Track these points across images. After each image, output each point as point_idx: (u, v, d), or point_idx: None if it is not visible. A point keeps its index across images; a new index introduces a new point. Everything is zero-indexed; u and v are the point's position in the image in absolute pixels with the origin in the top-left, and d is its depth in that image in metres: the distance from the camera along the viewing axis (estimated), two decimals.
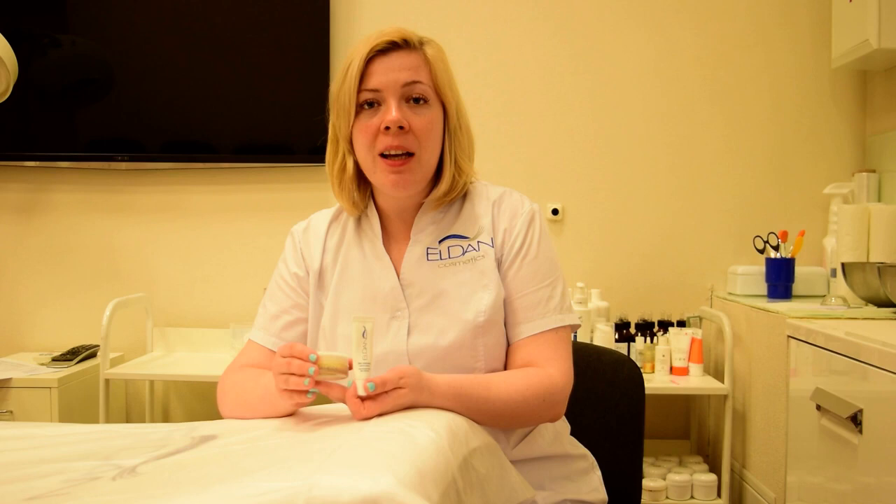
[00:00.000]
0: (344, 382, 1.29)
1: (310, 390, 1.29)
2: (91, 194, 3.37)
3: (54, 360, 3.08)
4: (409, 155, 1.47)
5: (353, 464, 1.00)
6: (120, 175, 3.35)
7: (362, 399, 1.27)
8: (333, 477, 0.94)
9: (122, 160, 3.25)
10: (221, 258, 3.35)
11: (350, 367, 1.30)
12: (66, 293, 3.38)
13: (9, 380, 2.87)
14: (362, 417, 1.27)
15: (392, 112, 1.44)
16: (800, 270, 2.88)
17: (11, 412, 2.85)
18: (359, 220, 1.60)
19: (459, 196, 1.57)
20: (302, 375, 1.28)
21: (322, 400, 1.37)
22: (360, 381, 1.27)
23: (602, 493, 1.62)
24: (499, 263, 1.52)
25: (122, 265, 3.37)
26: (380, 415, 1.27)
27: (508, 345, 1.51)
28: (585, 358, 1.83)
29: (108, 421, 2.86)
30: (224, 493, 0.96)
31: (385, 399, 1.27)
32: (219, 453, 1.24)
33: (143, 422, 3.25)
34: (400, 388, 1.28)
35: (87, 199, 3.38)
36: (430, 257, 1.52)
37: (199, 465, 1.18)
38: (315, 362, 1.28)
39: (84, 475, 1.16)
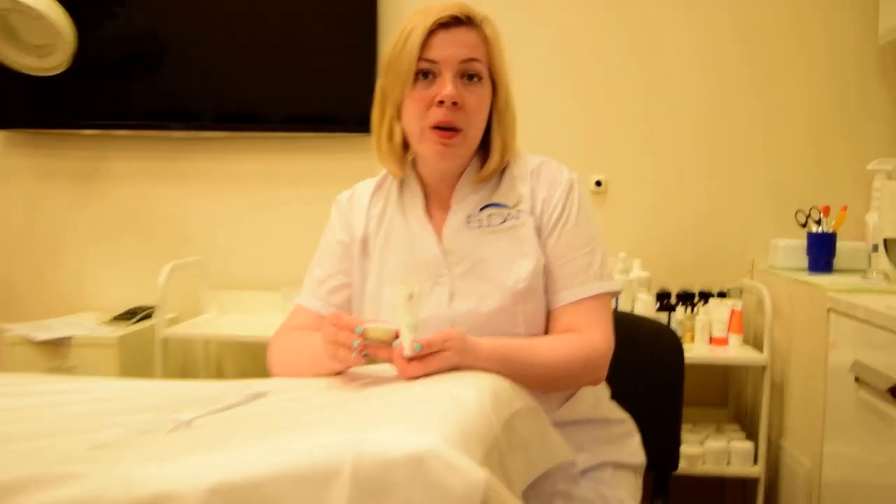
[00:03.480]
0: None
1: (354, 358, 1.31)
2: (147, 162, 3.41)
3: (114, 319, 3.14)
4: (458, 130, 1.47)
5: (401, 422, 1.01)
6: (175, 143, 3.39)
7: (408, 360, 1.28)
8: (381, 434, 0.94)
9: (177, 129, 3.28)
10: (272, 224, 3.38)
11: (396, 337, 1.30)
12: (124, 256, 3.43)
13: (71, 338, 2.93)
14: (408, 377, 1.28)
15: (448, 87, 1.44)
16: (841, 245, 2.83)
17: (75, 367, 2.91)
18: (401, 189, 1.60)
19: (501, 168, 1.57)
20: (349, 348, 1.30)
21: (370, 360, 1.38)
22: (406, 342, 1.28)
23: (641, 457, 1.62)
24: (538, 232, 1.51)
25: (178, 230, 3.41)
26: (425, 376, 1.28)
27: (549, 311, 1.51)
28: (626, 327, 1.82)
29: (164, 378, 2.91)
30: (275, 446, 0.98)
31: (430, 361, 1.28)
32: (270, 409, 1.26)
33: (198, 379, 3.30)
34: (445, 350, 1.29)
35: (144, 167, 3.42)
36: (471, 225, 1.52)
37: (251, 420, 1.20)
38: (361, 334, 1.29)
39: (143, 427, 1.18)
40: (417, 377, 1.28)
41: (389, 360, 1.32)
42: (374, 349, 1.31)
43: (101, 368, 2.90)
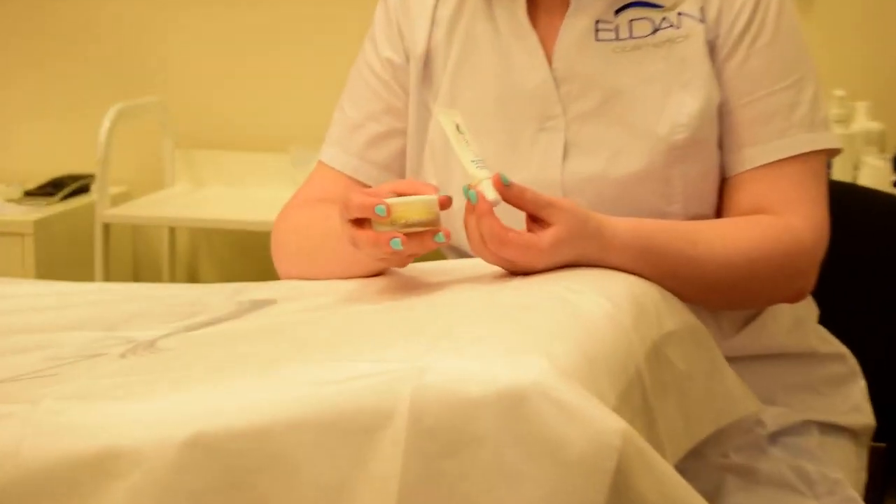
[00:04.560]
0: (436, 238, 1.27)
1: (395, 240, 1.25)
2: None
3: (28, 194, 3.20)
4: None
5: (486, 342, 1.00)
6: None
7: (501, 229, 1.24)
8: (455, 359, 0.95)
9: None
10: (276, 50, 3.38)
11: (443, 206, 1.28)
12: (45, 99, 3.47)
13: None
14: (500, 249, 1.25)
15: None
16: None
17: None
18: None
19: None
20: (384, 248, 1.25)
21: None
22: (485, 183, 1.25)
23: (867, 416, 1.62)
24: (712, 49, 1.50)
25: (128, 58, 3.43)
26: (522, 274, 1.27)
27: (724, 179, 1.51)
28: (846, 205, 1.77)
29: (108, 281, 2.94)
30: (290, 377, 0.98)
31: (532, 246, 1.25)
32: (278, 324, 1.28)
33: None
34: (550, 224, 1.26)
35: None
36: (601, 36, 1.51)
37: (248, 339, 1.22)
38: (384, 217, 1.24)
39: (79, 350, 1.21)
40: (514, 251, 1.26)
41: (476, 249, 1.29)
42: (415, 241, 1.27)
43: (7, 267, 2.95)
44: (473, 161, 1.28)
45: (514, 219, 1.29)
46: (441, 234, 1.26)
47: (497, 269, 1.31)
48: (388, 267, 1.41)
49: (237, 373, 1.04)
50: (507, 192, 1.24)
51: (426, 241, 1.26)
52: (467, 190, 1.27)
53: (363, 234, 1.26)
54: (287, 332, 1.23)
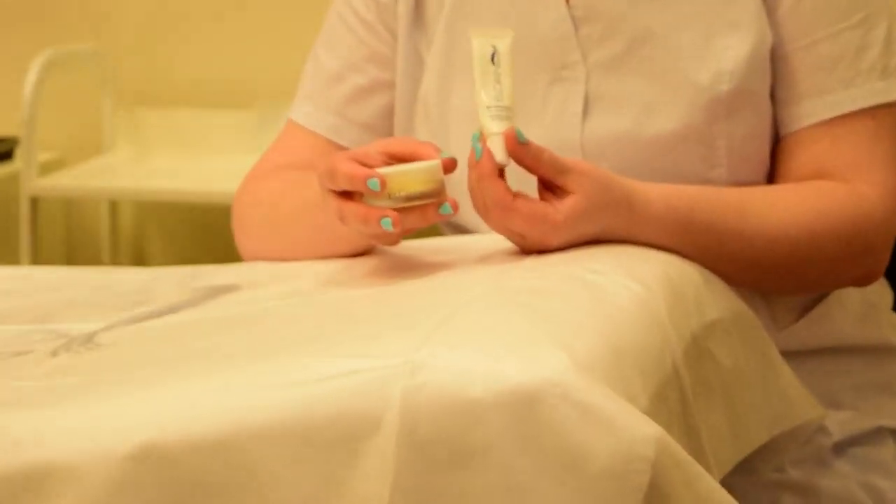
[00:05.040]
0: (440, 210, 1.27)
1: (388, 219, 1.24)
2: None
3: None
4: None
5: (492, 332, 1.00)
6: None
7: (507, 192, 1.24)
8: (454, 354, 0.94)
9: None
10: None
11: (448, 170, 1.25)
12: None
13: None
14: (505, 219, 1.25)
15: None
16: None
17: None
18: None
19: None
20: (373, 224, 1.25)
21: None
22: (494, 139, 1.24)
23: None
24: None
25: None
26: (536, 252, 1.27)
27: (779, 138, 1.51)
28: None
29: (37, 264, 2.94)
30: (255, 378, 0.98)
31: (545, 218, 1.25)
32: (242, 314, 1.28)
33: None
34: (568, 193, 1.26)
35: None
36: None
37: (205, 332, 1.22)
38: (378, 191, 1.23)
39: (1, 347, 1.21)
40: (521, 222, 1.25)
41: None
42: (415, 214, 1.26)
43: None
44: (490, 108, 1.26)
45: (527, 182, 1.29)
46: (447, 204, 1.24)
47: (507, 248, 1.30)
48: (377, 244, 1.41)
49: (192, 373, 1.04)
50: (522, 151, 1.23)
51: (429, 213, 1.26)
52: (475, 140, 1.25)
53: (352, 208, 1.25)
54: (252, 323, 1.23)
